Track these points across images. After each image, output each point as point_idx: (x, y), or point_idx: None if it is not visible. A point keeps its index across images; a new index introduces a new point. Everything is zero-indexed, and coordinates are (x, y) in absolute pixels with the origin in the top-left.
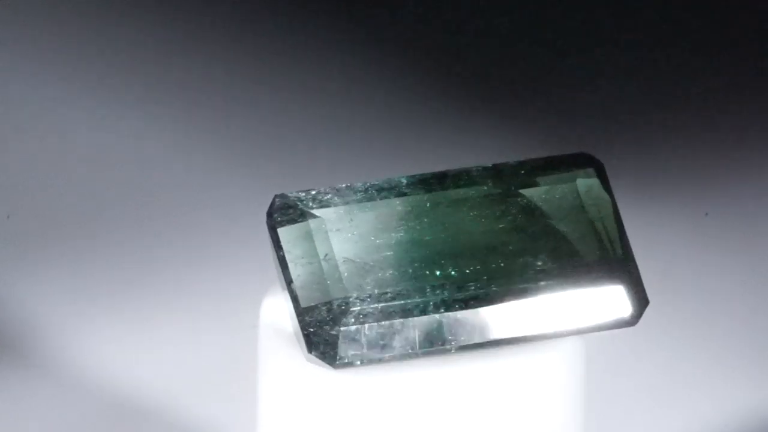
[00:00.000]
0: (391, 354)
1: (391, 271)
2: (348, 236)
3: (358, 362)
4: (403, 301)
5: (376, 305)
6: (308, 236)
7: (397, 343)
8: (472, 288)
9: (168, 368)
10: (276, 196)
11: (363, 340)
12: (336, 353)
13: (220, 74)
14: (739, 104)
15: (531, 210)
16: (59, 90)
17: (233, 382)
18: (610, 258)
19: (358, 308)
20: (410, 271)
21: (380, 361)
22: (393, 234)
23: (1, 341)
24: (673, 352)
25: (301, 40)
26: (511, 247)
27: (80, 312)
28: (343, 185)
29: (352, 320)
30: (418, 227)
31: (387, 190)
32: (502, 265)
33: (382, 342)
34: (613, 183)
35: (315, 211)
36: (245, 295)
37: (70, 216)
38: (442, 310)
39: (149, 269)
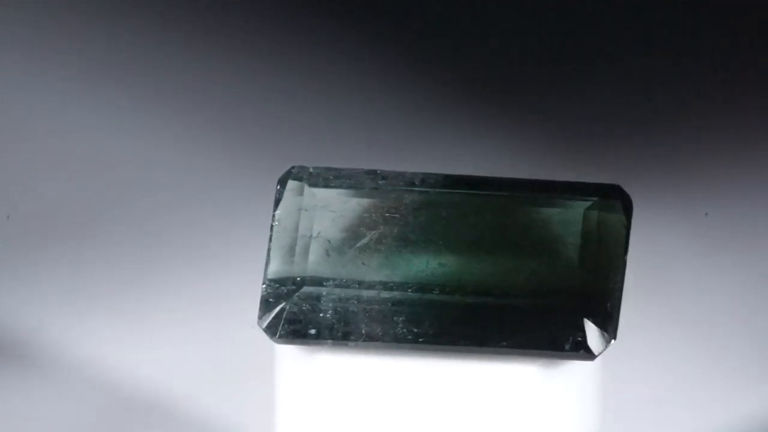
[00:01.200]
0: (335, 340)
1: (363, 261)
2: (336, 220)
3: (299, 341)
4: (362, 291)
5: (334, 290)
6: (298, 212)
7: (345, 329)
8: (436, 291)
9: (168, 368)
10: (293, 167)
11: (310, 320)
12: (278, 328)
13: (219, 74)
14: (739, 105)
15: (534, 226)
16: (59, 90)
17: (234, 381)
18: (592, 292)
19: (314, 289)
20: (383, 262)
21: (324, 344)
22: (381, 225)
23: (1, 341)
24: (673, 352)
25: (302, 40)
26: (495, 260)
27: (80, 312)
28: (362, 169)
29: (304, 299)
30: (408, 223)
31: (397, 181)
32: (477, 275)
33: (329, 326)
34: (613, 182)
35: (315, 190)
36: (245, 295)
37: (70, 216)
38: (401, 307)
39: (149, 269)
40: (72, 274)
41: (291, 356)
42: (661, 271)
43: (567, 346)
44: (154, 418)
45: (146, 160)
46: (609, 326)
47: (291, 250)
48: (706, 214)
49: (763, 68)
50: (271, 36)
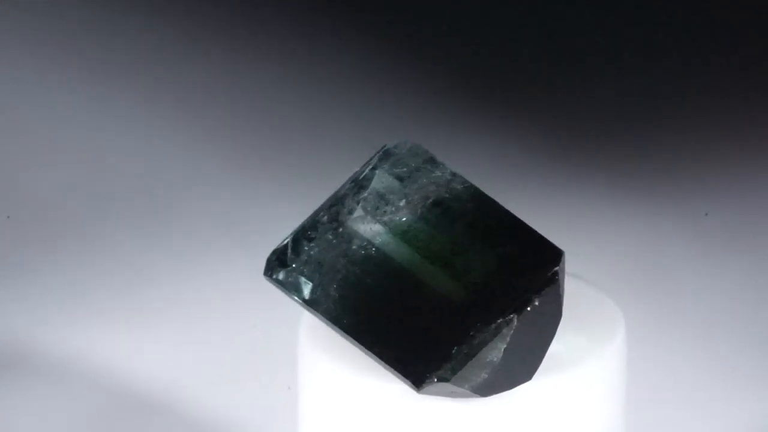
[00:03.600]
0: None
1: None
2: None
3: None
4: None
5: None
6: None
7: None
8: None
9: (168, 367)
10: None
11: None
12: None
13: (219, 75)
14: (739, 104)
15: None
16: (59, 90)
17: (235, 381)
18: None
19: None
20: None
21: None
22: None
23: (1, 341)
24: (673, 351)
25: (303, 40)
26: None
27: (80, 312)
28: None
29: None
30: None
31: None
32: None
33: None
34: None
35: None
36: (245, 296)
37: (70, 216)
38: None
39: (149, 269)
40: (72, 274)
41: (332, 370)
42: (661, 271)
43: (400, 367)
44: (155, 419)
45: (146, 160)
46: (446, 369)
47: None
48: (706, 214)
49: (763, 68)
50: (270, 36)
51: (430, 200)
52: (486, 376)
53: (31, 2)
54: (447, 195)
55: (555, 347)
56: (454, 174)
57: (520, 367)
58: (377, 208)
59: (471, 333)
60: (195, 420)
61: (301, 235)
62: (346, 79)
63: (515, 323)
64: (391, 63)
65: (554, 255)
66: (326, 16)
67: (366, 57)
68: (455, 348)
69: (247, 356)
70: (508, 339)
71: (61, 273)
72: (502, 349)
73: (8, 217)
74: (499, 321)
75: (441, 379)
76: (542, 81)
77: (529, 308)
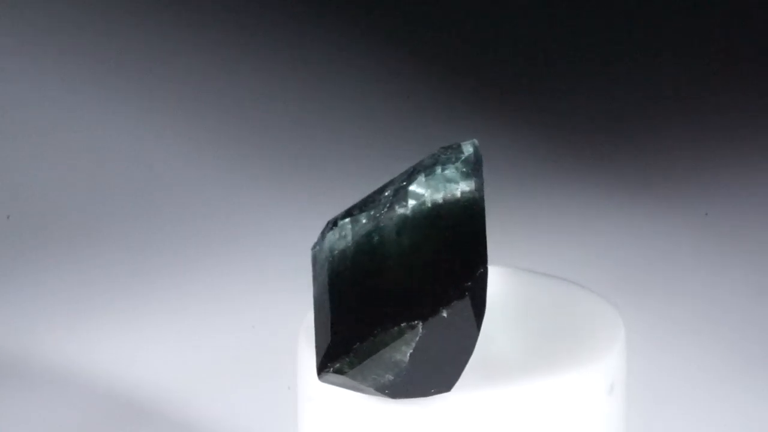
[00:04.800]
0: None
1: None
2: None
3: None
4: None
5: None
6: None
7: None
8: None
9: (168, 368)
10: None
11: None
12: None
13: (219, 75)
14: (739, 105)
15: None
16: (59, 90)
17: (235, 382)
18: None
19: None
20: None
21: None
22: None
23: (1, 340)
24: (673, 351)
25: (304, 44)
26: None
27: (80, 311)
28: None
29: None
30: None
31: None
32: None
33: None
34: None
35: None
36: (244, 296)
37: (70, 216)
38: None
39: (149, 269)
40: (72, 274)
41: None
42: (661, 270)
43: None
44: (155, 420)
45: (146, 161)
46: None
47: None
48: (706, 214)
49: (763, 68)
50: (270, 37)
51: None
52: (392, 377)
53: (31, 2)
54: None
55: (552, 350)
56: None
57: (435, 376)
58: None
59: (375, 332)
60: (196, 420)
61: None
62: (347, 79)
63: (420, 330)
64: (392, 63)
65: (471, 271)
66: (326, 17)
67: (366, 58)
68: (357, 344)
69: (246, 357)
70: (413, 344)
71: (60, 273)
72: (408, 354)
73: (8, 217)
74: (402, 325)
75: (337, 371)
76: (542, 81)
77: (436, 318)
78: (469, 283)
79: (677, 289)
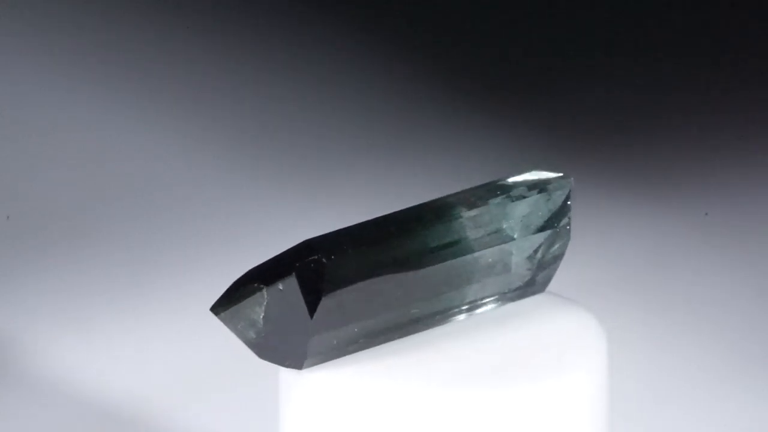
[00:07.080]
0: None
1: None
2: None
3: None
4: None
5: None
6: None
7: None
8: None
9: (167, 367)
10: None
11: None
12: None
13: (219, 76)
14: (739, 105)
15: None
16: (59, 90)
17: (232, 382)
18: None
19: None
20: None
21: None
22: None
23: (1, 340)
24: (674, 351)
25: (304, 44)
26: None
27: (79, 312)
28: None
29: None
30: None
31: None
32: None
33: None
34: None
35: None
36: None
37: (70, 216)
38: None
39: (148, 270)
40: (71, 274)
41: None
42: (661, 270)
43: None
44: (151, 425)
45: (145, 161)
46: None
47: None
48: (706, 214)
49: (763, 68)
50: (270, 37)
51: None
52: (254, 336)
53: (31, 2)
54: None
55: (532, 355)
56: None
57: (285, 347)
58: None
59: (242, 287)
60: (196, 420)
61: None
62: (347, 79)
63: (265, 294)
64: (392, 64)
65: (308, 255)
66: (327, 17)
67: (366, 58)
68: (233, 293)
69: (246, 356)
70: (263, 307)
71: (60, 273)
72: (261, 316)
73: (8, 217)
74: (256, 285)
75: (214, 310)
76: (542, 81)
77: (274, 288)
78: (298, 265)
79: (677, 289)
